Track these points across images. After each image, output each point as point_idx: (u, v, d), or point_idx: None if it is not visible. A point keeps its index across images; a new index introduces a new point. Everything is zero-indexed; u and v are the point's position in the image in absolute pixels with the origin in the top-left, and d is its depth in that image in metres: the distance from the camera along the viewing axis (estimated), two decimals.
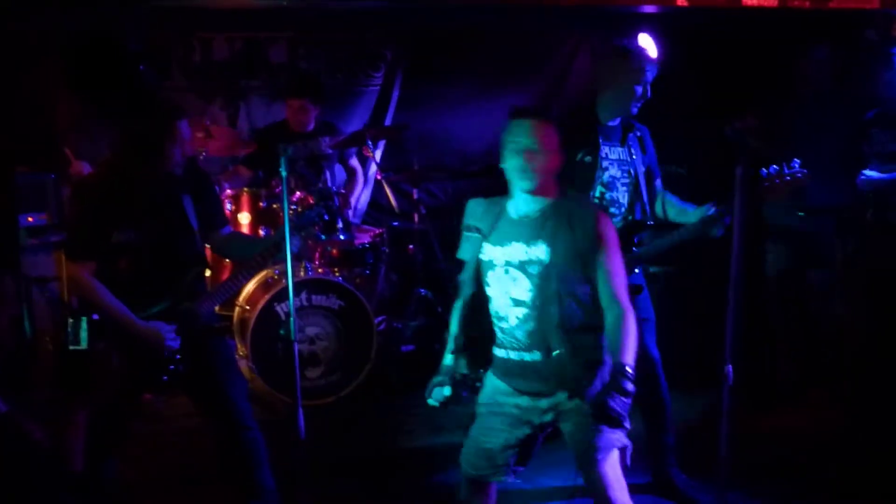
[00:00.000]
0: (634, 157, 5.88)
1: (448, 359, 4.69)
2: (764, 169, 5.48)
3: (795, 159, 5.58)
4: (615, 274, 4.56)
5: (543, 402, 4.56)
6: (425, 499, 5.97)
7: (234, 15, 8.56)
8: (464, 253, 4.74)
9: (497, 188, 5.86)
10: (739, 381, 4.73)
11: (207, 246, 5.41)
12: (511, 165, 4.60)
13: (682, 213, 5.90)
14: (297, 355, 4.84)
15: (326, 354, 7.36)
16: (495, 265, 4.57)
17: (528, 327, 4.50)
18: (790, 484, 6.18)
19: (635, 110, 5.86)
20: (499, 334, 4.59)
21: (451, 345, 4.70)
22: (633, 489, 4.66)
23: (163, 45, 8.63)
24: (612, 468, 4.47)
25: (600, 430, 4.40)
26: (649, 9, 7.99)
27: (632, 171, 5.88)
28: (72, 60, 7.77)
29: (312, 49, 9.09)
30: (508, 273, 4.54)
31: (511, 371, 4.59)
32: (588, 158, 5.79)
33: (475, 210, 4.78)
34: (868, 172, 6.87)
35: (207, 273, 5.58)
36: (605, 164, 5.83)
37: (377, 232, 8.33)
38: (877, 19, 8.03)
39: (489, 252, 4.60)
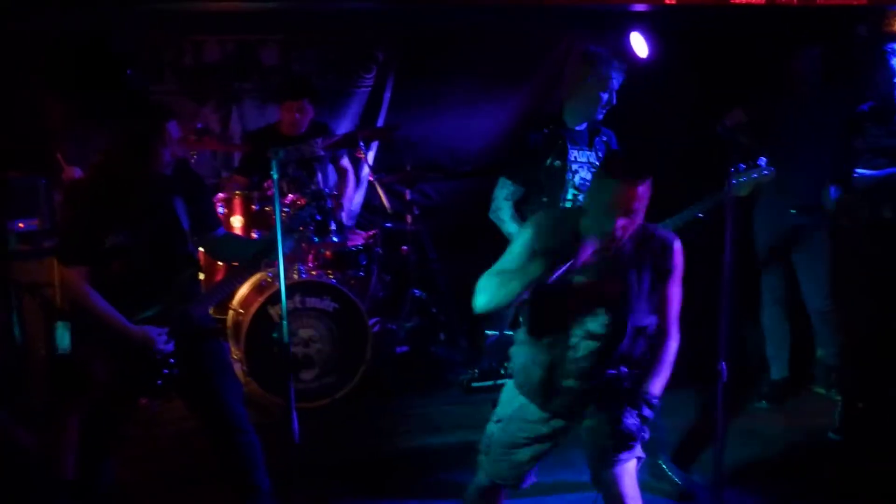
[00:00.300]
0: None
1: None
2: (733, 167, 5.53)
3: (762, 157, 5.65)
4: (673, 302, 4.63)
5: (574, 422, 4.64)
6: (421, 500, 5.97)
7: (225, 18, 8.55)
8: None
9: (490, 189, 5.88)
10: (734, 378, 4.75)
11: (200, 249, 5.41)
12: (600, 222, 4.35)
13: None
14: (291, 358, 4.83)
15: (321, 356, 7.35)
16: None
17: (595, 359, 4.51)
18: (786, 482, 6.19)
19: (601, 116, 6.03)
20: (548, 361, 4.57)
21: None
22: None
23: (155, 48, 8.61)
24: (630, 476, 4.51)
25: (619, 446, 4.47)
26: (639, 7, 7.98)
27: None
28: (61, 64, 7.76)
29: (304, 51, 9.08)
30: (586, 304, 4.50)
31: (552, 393, 4.59)
32: (557, 163, 5.95)
33: (548, 228, 4.56)
34: (861, 170, 6.87)
35: (201, 276, 5.57)
36: (574, 167, 5.99)
37: (370, 233, 8.32)
38: (867, 15, 8.03)
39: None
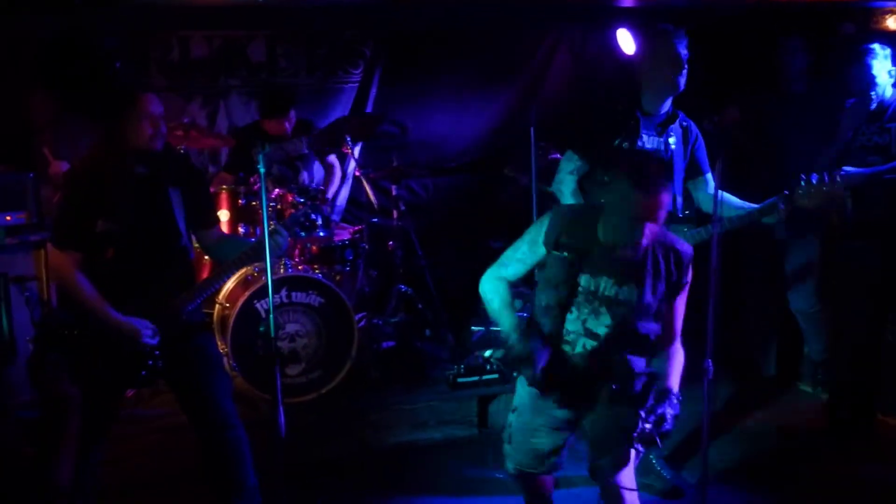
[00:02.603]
0: (672, 148, 5.88)
1: (508, 324, 4.63)
2: (804, 175, 5.55)
3: (845, 168, 5.81)
4: (680, 315, 4.69)
5: (581, 414, 4.68)
6: (407, 495, 5.98)
7: (212, 13, 8.54)
8: (553, 272, 4.56)
9: (477, 185, 5.91)
10: (722, 376, 4.78)
11: (195, 244, 5.41)
12: (620, 226, 4.39)
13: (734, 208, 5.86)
14: (278, 353, 4.84)
15: (307, 351, 7.34)
16: (578, 291, 4.53)
17: (595, 358, 4.55)
18: (772, 480, 6.21)
19: (682, 85, 5.82)
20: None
21: (506, 311, 4.68)
22: None
23: (141, 43, 8.59)
24: (628, 472, 4.55)
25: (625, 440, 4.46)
26: (626, 3, 8.00)
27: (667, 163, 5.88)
28: (48, 59, 7.74)
29: (291, 46, 9.08)
30: (592, 304, 4.53)
31: (550, 385, 4.59)
32: (626, 145, 5.84)
33: (565, 223, 4.56)
34: (847, 168, 6.89)
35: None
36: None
37: (357, 229, 8.32)
38: (854, 13, 8.06)
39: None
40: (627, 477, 4.53)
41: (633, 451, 4.54)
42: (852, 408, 6.93)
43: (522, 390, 4.77)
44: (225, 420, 5.12)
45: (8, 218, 6.94)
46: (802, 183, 5.58)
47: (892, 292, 6.82)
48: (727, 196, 5.82)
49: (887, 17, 7.96)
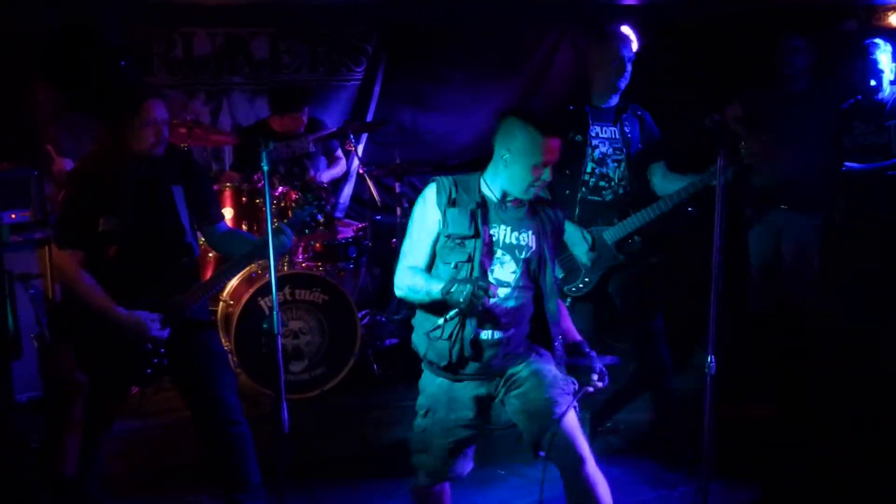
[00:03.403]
0: (629, 136, 6.31)
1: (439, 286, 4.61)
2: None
3: (846, 164, 6.50)
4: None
5: (500, 383, 4.73)
6: (408, 491, 5.99)
7: (215, 10, 8.56)
8: (456, 228, 4.65)
9: None
10: (722, 371, 4.78)
11: (201, 241, 5.42)
12: (518, 174, 4.59)
13: (674, 182, 6.27)
14: (281, 349, 4.85)
15: (310, 348, 7.36)
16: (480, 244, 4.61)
17: (507, 305, 4.64)
18: (770, 473, 6.22)
19: (622, 86, 6.32)
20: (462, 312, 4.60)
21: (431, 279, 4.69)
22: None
23: (145, 40, 8.61)
24: (572, 418, 4.59)
25: (559, 393, 4.59)
26: (629, 1, 8.01)
27: (624, 149, 6.31)
28: (53, 54, 7.75)
29: (294, 44, 9.09)
30: (495, 254, 4.64)
31: (463, 353, 4.63)
32: (578, 137, 6.27)
33: (451, 186, 4.72)
34: (849, 164, 6.90)
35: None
36: (595, 142, 6.31)
37: (360, 226, 8.32)
38: (856, 10, 8.07)
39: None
40: (578, 430, 4.59)
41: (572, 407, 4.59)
42: (851, 404, 6.94)
43: (434, 389, 4.80)
44: (229, 416, 5.14)
45: (12, 216, 6.94)
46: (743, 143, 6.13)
47: (892, 286, 6.83)
48: (675, 175, 6.29)
49: (889, 13, 7.97)
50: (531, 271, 4.69)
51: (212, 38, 8.88)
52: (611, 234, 6.23)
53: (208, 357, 5.18)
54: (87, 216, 4.91)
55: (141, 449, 6.46)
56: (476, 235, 4.59)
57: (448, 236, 4.64)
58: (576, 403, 4.60)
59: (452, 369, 4.68)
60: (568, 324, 4.86)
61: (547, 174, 4.54)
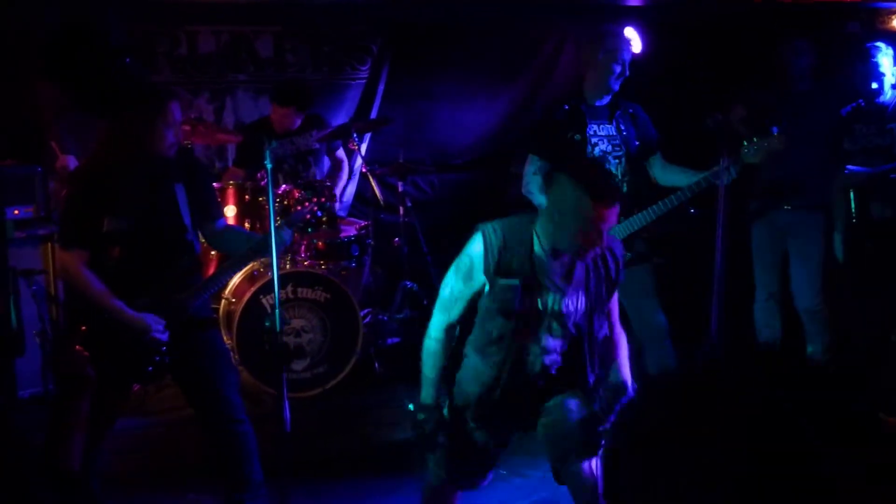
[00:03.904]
0: (625, 132, 6.38)
1: (432, 397, 4.55)
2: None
3: (849, 167, 6.57)
4: (616, 302, 4.65)
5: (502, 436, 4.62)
6: (410, 490, 6.00)
7: (220, 8, 8.56)
8: (505, 301, 4.32)
9: (483, 182, 5.97)
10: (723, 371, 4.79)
11: (202, 238, 5.42)
12: (568, 236, 4.19)
13: (674, 174, 6.40)
14: (283, 348, 4.85)
15: (312, 347, 7.37)
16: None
17: (556, 365, 4.46)
18: (771, 478, 6.23)
19: (617, 87, 6.37)
20: (489, 379, 4.45)
21: (437, 382, 4.56)
22: None
23: (149, 38, 8.61)
24: (594, 466, 4.45)
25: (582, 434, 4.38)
26: (633, 1, 8.02)
27: (622, 146, 6.38)
28: (56, 52, 7.76)
29: (298, 42, 9.09)
30: (543, 323, 4.37)
31: (485, 410, 4.51)
32: (577, 136, 6.31)
33: (498, 244, 4.30)
34: (852, 167, 6.90)
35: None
36: (594, 140, 6.36)
37: (363, 224, 8.32)
38: (859, 13, 8.07)
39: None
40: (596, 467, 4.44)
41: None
42: (855, 407, 6.93)
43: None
44: (232, 414, 5.13)
45: (16, 212, 6.98)
46: (745, 143, 6.12)
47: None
48: (674, 167, 6.40)
49: (891, 16, 7.98)
50: (580, 332, 4.41)
51: (216, 37, 8.88)
52: (617, 232, 6.22)
53: (210, 355, 5.17)
54: (91, 216, 4.90)
55: (143, 447, 6.47)
56: (524, 311, 4.30)
57: (499, 309, 4.33)
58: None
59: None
60: (620, 358, 4.57)
61: (594, 238, 4.16)
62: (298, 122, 8.22)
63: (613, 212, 4.16)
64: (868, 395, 6.91)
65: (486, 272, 4.28)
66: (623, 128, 6.41)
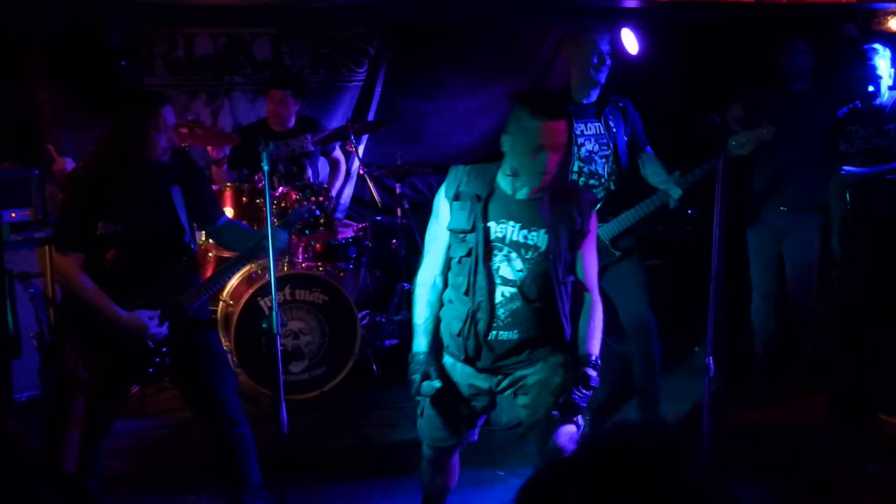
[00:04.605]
0: (614, 129, 6.30)
1: (423, 345, 4.70)
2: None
3: (846, 168, 6.66)
4: (592, 262, 4.68)
5: (504, 380, 4.65)
6: (409, 491, 6.00)
7: (217, 10, 8.56)
8: (457, 222, 4.57)
9: None
10: (721, 373, 4.79)
11: (203, 235, 5.42)
12: (524, 161, 4.44)
13: (655, 173, 6.42)
14: (281, 350, 4.86)
15: (310, 349, 7.38)
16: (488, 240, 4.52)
17: (513, 306, 4.53)
18: (770, 478, 6.23)
19: (601, 79, 6.32)
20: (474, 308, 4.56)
21: (426, 330, 4.71)
22: None
23: (146, 40, 8.61)
24: (571, 444, 4.52)
25: (560, 418, 4.48)
26: (630, 3, 8.03)
27: (610, 144, 6.30)
28: (53, 54, 7.76)
29: (296, 45, 9.10)
30: (502, 251, 4.52)
31: (476, 347, 4.59)
32: None
33: (463, 177, 4.63)
34: (848, 168, 6.91)
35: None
36: (580, 139, 6.28)
37: (360, 226, 8.33)
38: (855, 14, 8.08)
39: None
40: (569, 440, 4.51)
41: (575, 426, 4.53)
42: (852, 406, 6.94)
43: (447, 365, 4.76)
44: (230, 416, 5.14)
45: (13, 215, 6.98)
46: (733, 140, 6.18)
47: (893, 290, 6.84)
48: (659, 164, 6.43)
49: (889, 18, 7.98)
50: (542, 271, 4.52)
51: (214, 39, 8.89)
52: (605, 231, 6.24)
53: (209, 357, 5.18)
54: (86, 220, 4.90)
55: (141, 448, 6.47)
56: (473, 230, 4.51)
57: (451, 230, 4.57)
58: (580, 421, 4.55)
59: (470, 362, 4.64)
60: (591, 328, 4.64)
61: (544, 158, 4.37)
62: (293, 109, 8.23)
63: (559, 127, 4.39)
64: (868, 395, 6.93)
65: (447, 196, 4.60)
66: (612, 124, 6.35)
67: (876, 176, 6.80)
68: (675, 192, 6.17)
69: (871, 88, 6.82)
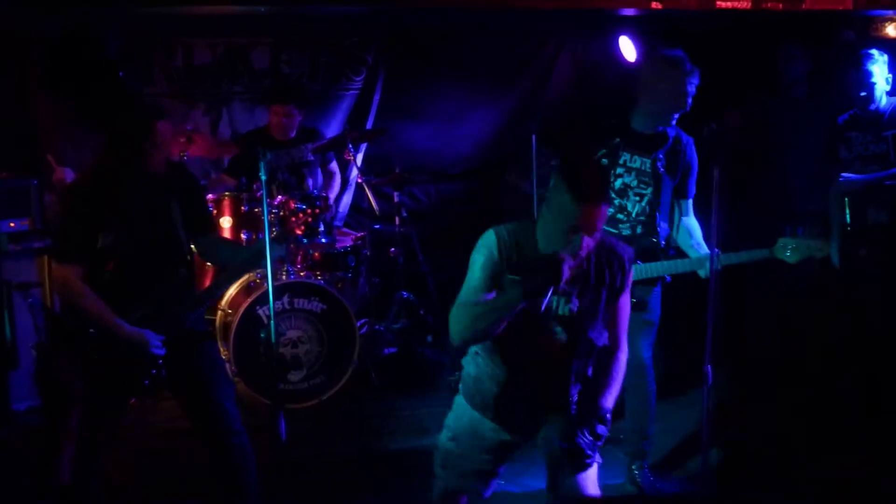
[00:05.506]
0: (661, 171, 5.72)
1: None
2: (789, 227, 5.63)
3: (844, 175, 6.43)
4: (623, 316, 4.60)
5: (528, 437, 4.61)
6: (408, 500, 6.00)
7: (216, 20, 8.57)
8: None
9: (478, 191, 5.94)
10: (720, 379, 4.78)
11: (194, 251, 5.42)
12: (553, 235, 4.25)
13: (686, 242, 5.85)
14: (279, 359, 4.86)
15: (309, 357, 7.37)
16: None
17: (552, 376, 4.48)
18: (772, 483, 6.23)
19: (674, 121, 5.73)
20: (503, 377, 4.49)
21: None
22: (607, 489, 4.70)
23: (145, 50, 8.62)
24: (591, 480, 4.45)
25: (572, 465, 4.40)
26: (627, 11, 8.03)
27: (651, 185, 5.74)
28: (52, 64, 7.77)
29: (294, 54, 9.10)
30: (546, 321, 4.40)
31: (506, 409, 4.53)
32: (605, 161, 5.73)
33: (511, 242, 4.37)
34: (847, 175, 6.91)
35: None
36: (620, 170, 5.75)
37: (359, 235, 8.34)
38: (852, 20, 8.09)
39: None
40: (592, 487, 4.43)
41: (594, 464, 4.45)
42: (855, 412, 6.94)
43: (459, 415, 4.68)
44: (229, 426, 5.13)
45: (11, 224, 6.98)
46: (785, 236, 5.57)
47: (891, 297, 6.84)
48: (694, 227, 5.87)
49: (886, 24, 7.99)
50: (576, 333, 4.42)
51: (212, 48, 8.89)
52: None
53: (206, 367, 5.18)
54: (85, 232, 4.90)
55: (140, 458, 6.47)
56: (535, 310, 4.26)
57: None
58: (599, 459, 4.47)
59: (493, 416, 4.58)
60: (609, 382, 4.53)
61: (579, 240, 4.16)
62: (297, 121, 8.22)
63: (598, 212, 4.18)
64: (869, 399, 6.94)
65: (500, 267, 4.31)
66: (661, 167, 5.72)
67: (874, 182, 6.80)
68: (704, 273, 5.56)
69: (863, 93, 6.80)
